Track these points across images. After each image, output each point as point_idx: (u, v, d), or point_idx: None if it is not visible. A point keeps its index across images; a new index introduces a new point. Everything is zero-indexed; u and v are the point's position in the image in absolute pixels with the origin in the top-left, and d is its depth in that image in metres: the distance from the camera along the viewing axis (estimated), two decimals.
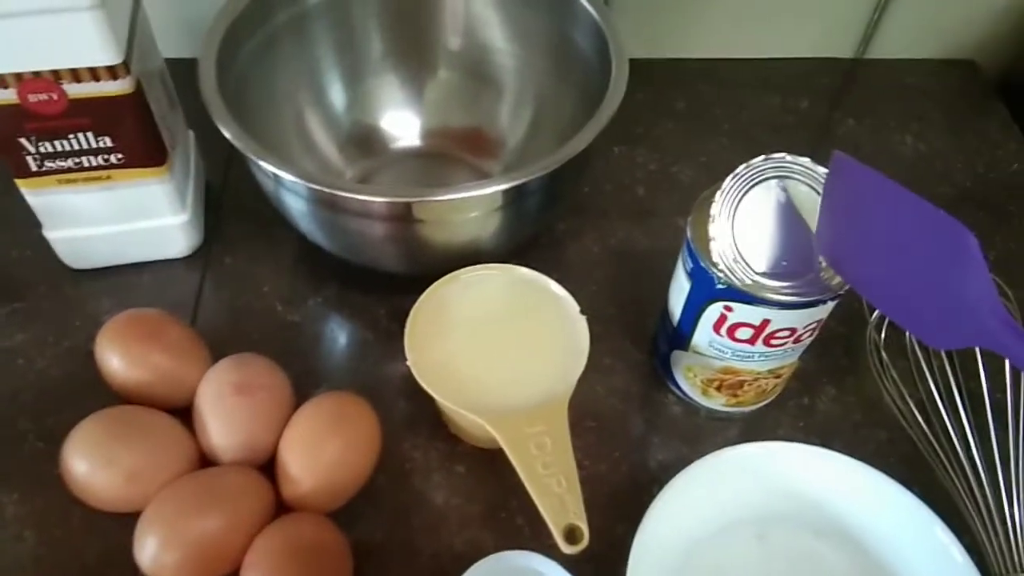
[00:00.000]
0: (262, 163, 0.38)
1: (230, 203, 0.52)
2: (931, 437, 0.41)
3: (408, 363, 0.38)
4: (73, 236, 0.45)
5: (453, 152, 0.52)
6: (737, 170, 0.36)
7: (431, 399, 0.42)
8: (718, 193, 0.36)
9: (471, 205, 0.40)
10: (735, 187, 0.36)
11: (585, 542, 0.33)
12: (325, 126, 0.50)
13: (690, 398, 0.43)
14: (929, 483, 0.40)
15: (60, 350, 0.44)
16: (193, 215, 0.47)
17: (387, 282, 0.47)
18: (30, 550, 0.38)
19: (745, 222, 0.36)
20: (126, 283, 0.47)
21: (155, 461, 0.36)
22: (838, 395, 0.44)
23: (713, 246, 0.36)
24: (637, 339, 0.46)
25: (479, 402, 0.37)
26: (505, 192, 0.39)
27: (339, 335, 0.46)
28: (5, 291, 0.47)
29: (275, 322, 0.46)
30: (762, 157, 0.36)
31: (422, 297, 0.40)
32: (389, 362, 0.45)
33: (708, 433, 0.43)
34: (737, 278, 0.35)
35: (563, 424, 0.36)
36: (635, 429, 0.43)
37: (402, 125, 0.52)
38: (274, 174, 0.39)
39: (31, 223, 0.47)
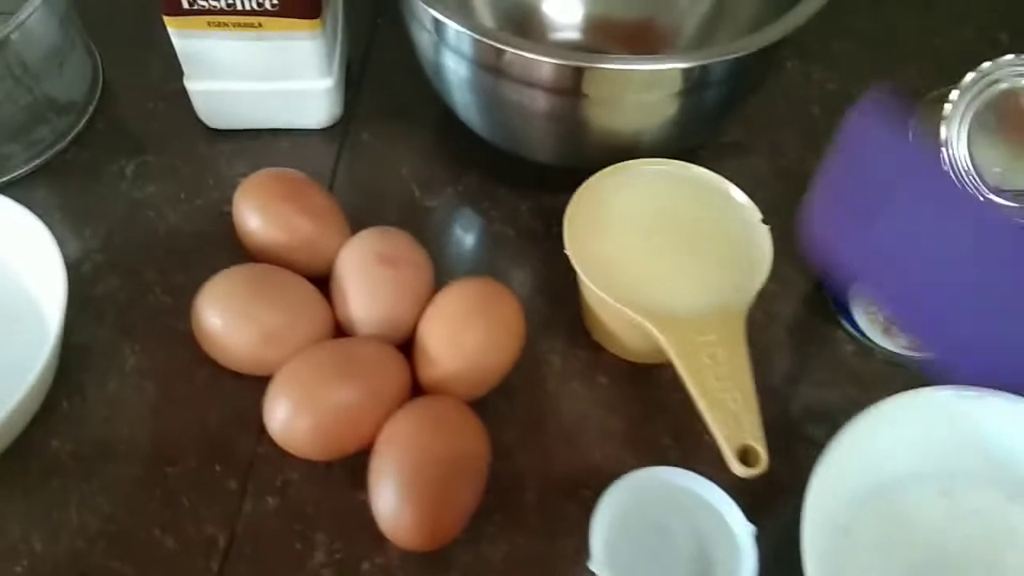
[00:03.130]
0: (430, 9, 0.35)
1: (370, 80, 0.49)
2: None
3: (567, 252, 0.34)
4: (215, 89, 0.43)
5: (613, 50, 0.48)
6: (982, 66, 0.31)
7: (571, 302, 0.39)
8: (955, 92, 0.31)
9: (648, 82, 0.36)
10: (975, 88, 0.31)
11: (763, 466, 0.29)
12: None
13: (866, 337, 0.38)
14: None
15: (192, 207, 0.42)
16: (337, 83, 0.44)
17: (532, 176, 0.44)
18: (149, 402, 0.36)
19: (982, 129, 0.31)
20: (262, 148, 0.45)
21: (292, 323, 0.34)
22: None
23: (944, 152, 0.31)
24: (804, 267, 0.41)
25: (642, 305, 0.33)
26: (688, 72, 0.35)
27: (477, 226, 0.43)
28: (136, 143, 0.45)
29: (411, 205, 0.43)
30: (1011, 56, 0.31)
31: (585, 184, 0.36)
32: (527, 260, 0.42)
33: (882, 377, 0.38)
34: (968, 188, 0.30)
35: (740, 336, 0.32)
36: (796, 363, 0.39)
37: (563, 12, 0.48)
38: (437, 25, 0.35)
39: (168, 76, 0.45)
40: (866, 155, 0.27)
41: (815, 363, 0.39)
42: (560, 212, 0.43)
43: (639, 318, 0.32)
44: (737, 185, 0.38)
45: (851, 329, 0.39)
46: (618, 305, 0.33)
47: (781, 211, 0.43)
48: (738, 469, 0.29)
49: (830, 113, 0.48)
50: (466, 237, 0.43)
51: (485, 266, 0.42)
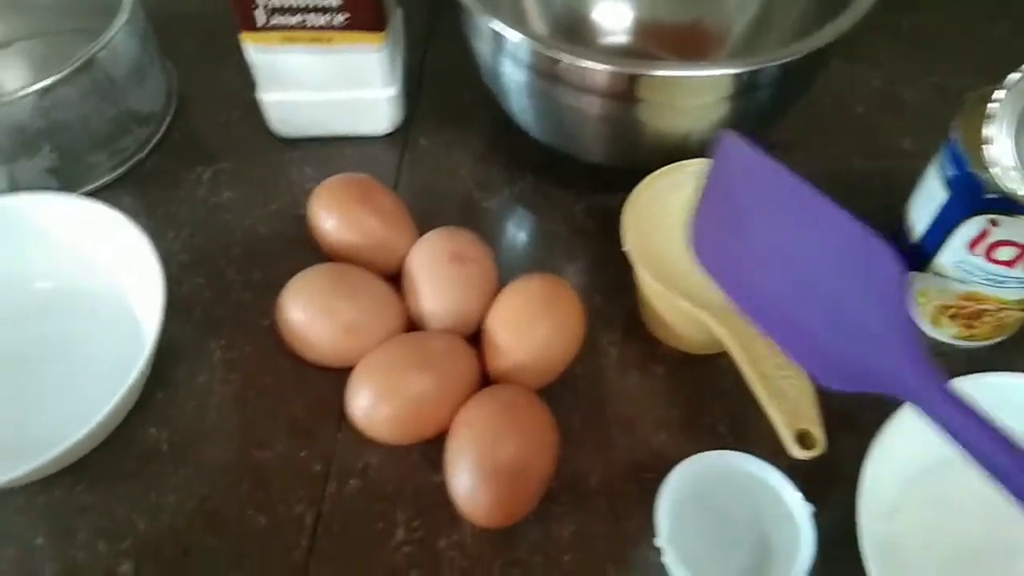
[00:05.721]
0: (490, 23, 0.37)
1: (426, 87, 0.51)
2: None
3: (625, 249, 0.36)
4: (287, 100, 0.45)
5: (660, 54, 0.50)
6: None
7: (626, 296, 0.41)
8: (1000, 91, 0.32)
9: (701, 87, 0.37)
10: (1020, 87, 0.32)
11: (821, 448, 0.31)
12: (539, 6, 0.48)
13: None
14: None
15: (267, 211, 0.45)
16: (400, 91, 0.46)
17: (585, 177, 0.46)
18: (236, 392, 0.39)
19: None
20: (328, 154, 0.47)
21: (370, 317, 0.36)
22: None
23: (988, 149, 0.32)
24: None
25: (699, 299, 0.35)
26: (738, 77, 0.37)
27: (533, 226, 0.45)
28: (211, 151, 0.48)
29: (470, 205, 0.46)
30: None
31: (641, 184, 0.38)
32: (582, 257, 0.44)
33: None
34: (1013, 186, 0.32)
35: None
36: None
37: (613, 17, 0.50)
38: (496, 36, 0.38)
39: (238, 89, 0.48)
40: (730, 176, 0.30)
41: None
42: (612, 212, 0.45)
43: (698, 312, 0.34)
44: None
45: None
46: (677, 299, 0.34)
47: None
48: (796, 452, 0.31)
49: (875, 111, 0.50)
50: (523, 235, 0.45)
51: (542, 263, 0.44)
